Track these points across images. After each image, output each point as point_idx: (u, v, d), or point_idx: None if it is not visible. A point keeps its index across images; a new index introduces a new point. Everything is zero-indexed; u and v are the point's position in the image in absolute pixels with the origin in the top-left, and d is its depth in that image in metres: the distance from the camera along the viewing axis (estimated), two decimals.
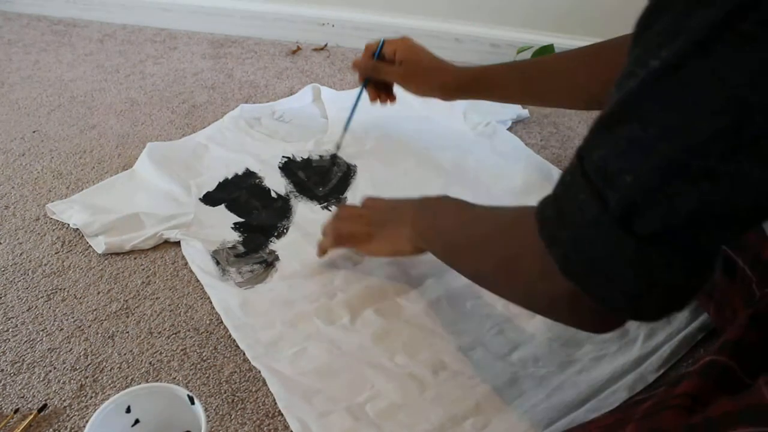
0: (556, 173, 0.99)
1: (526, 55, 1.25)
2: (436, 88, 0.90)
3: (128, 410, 0.58)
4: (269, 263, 0.84)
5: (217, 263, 0.84)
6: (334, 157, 1.01)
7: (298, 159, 1.02)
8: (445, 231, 0.66)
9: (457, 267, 0.65)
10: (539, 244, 0.41)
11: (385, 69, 0.92)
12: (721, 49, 0.31)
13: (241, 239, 0.88)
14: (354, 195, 0.95)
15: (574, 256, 0.39)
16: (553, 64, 0.85)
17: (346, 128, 0.98)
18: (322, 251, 0.82)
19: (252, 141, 1.06)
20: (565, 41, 1.26)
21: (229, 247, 0.86)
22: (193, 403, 0.57)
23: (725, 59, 0.31)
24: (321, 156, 1.03)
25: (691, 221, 0.34)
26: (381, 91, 0.96)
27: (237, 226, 0.90)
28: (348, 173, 0.99)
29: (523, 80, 0.86)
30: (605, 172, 0.36)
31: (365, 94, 0.97)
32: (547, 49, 1.24)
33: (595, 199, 0.36)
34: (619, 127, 0.35)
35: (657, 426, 0.44)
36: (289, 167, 1.00)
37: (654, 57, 0.33)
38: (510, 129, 1.12)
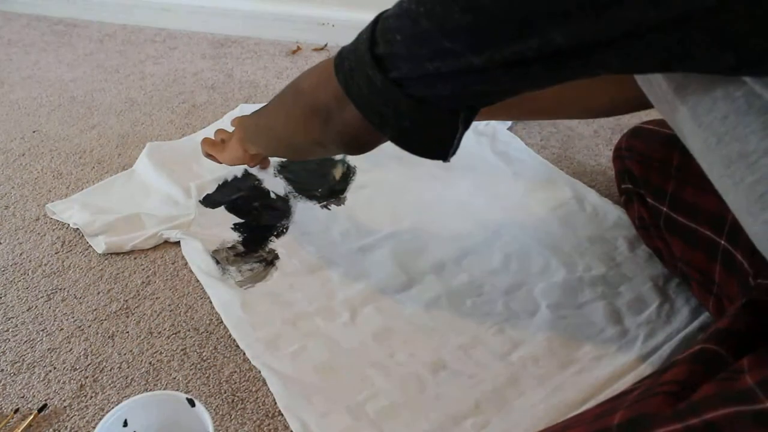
0: (556, 173, 0.99)
1: None
2: None
3: (125, 424, 0.57)
4: (269, 262, 0.84)
5: (217, 262, 0.84)
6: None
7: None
8: (262, 121, 0.75)
9: (275, 146, 0.76)
10: (333, 79, 0.52)
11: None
12: None
13: (240, 239, 0.88)
14: (353, 195, 0.95)
15: (348, 76, 0.51)
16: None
17: None
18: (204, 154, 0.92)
19: None
20: None
21: (228, 247, 0.86)
22: (193, 405, 0.57)
23: None
24: None
25: (430, 76, 0.44)
26: None
27: (237, 227, 0.90)
28: (347, 173, 0.99)
29: (527, 99, 0.86)
30: (387, 29, 0.46)
31: None
32: None
33: (368, 48, 0.47)
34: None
35: (644, 411, 0.45)
36: (287, 167, 1.00)
37: None
38: (510, 129, 1.12)
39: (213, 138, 0.92)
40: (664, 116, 0.49)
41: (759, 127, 0.39)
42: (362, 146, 0.59)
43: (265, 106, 0.75)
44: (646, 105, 0.71)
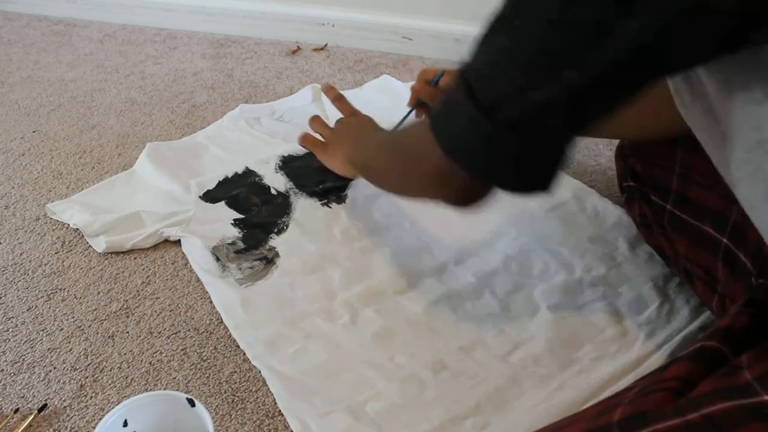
0: None
1: None
2: None
3: (125, 424, 0.57)
4: (269, 260, 0.84)
5: (217, 259, 0.84)
6: None
7: (299, 154, 1.02)
8: (373, 166, 0.75)
9: (377, 183, 0.76)
10: (429, 137, 0.50)
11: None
12: None
13: (240, 235, 0.88)
14: (354, 192, 0.95)
15: (448, 132, 0.48)
16: None
17: None
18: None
19: (252, 141, 1.06)
20: None
21: (228, 243, 0.86)
22: (193, 405, 0.57)
23: None
24: None
25: (539, 111, 0.41)
26: (427, 113, 0.96)
27: (237, 223, 0.90)
28: None
29: None
30: (480, 74, 0.44)
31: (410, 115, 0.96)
32: None
33: (468, 93, 0.44)
34: (492, 37, 0.43)
35: (645, 408, 0.45)
36: (288, 163, 1.00)
37: None
38: None
39: (312, 132, 0.95)
40: (681, 110, 0.48)
41: None
42: (475, 200, 0.56)
43: (375, 149, 0.74)
44: (665, 131, 0.72)
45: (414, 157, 0.57)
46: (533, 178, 0.48)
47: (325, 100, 1.16)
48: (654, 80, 0.39)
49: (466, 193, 0.55)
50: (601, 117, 0.42)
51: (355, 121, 0.91)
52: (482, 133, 0.44)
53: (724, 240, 0.65)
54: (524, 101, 0.41)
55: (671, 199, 0.73)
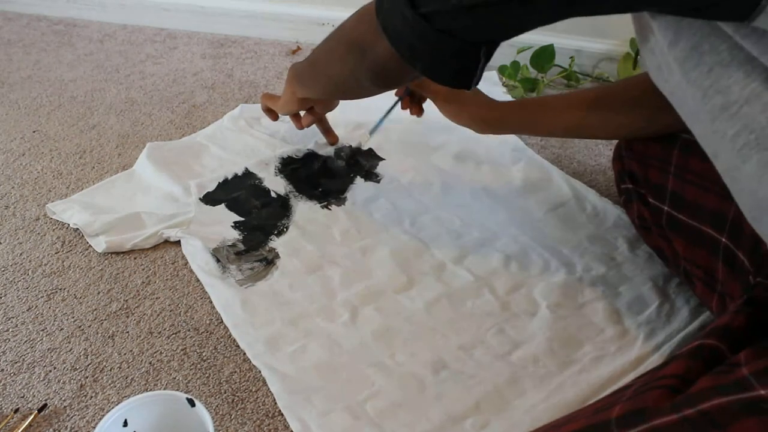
0: (556, 173, 0.99)
1: (526, 55, 1.25)
2: (475, 121, 0.88)
3: (125, 424, 0.57)
4: (269, 261, 0.84)
5: (218, 260, 0.84)
6: (353, 153, 1.03)
7: (298, 156, 1.02)
8: (309, 59, 0.82)
9: (317, 82, 0.82)
10: (373, 18, 0.57)
11: (431, 87, 0.91)
12: None
13: (241, 237, 0.88)
14: (353, 194, 0.95)
15: (391, 25, 0.55)
16: (588, 100, 0.84)
17: (372, 132, 0.98)
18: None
19: (252, 141, 1.06)
20: (565, 41, 1.26)
21: (229, 245, 0.86)
22: (193, 405, 0.57)
23: None
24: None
25: (455, 10, 0.48)
26: (414, 103, 0.96)
27: (237, 225, 0.90)
28: (349, 172, 0.99)
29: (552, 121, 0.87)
30: None
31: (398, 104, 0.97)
32: (546, 50, 1.24)
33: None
34: None
35: (643, 405, 0.46)
36: (287, 166, 1.00)
37: None
38: None
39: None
40: (663, 90, 0.50)
41: (740, 77, 0.41)
42: (391, 81, 0.68)
43: (315, 47, 0.80)
44: (657, 131, 0.74)
45: (357, 43, 0.64)
46: (462, 76, 0.56)
47: None
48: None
49: (391, 75, 0.64)
50: (519, 32, 0.50)
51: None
52: (418, 33, 0.52)
53: (723, 239, 0.65)
54: (451, 11, 0.49)
55: (668, 200, 0.73)
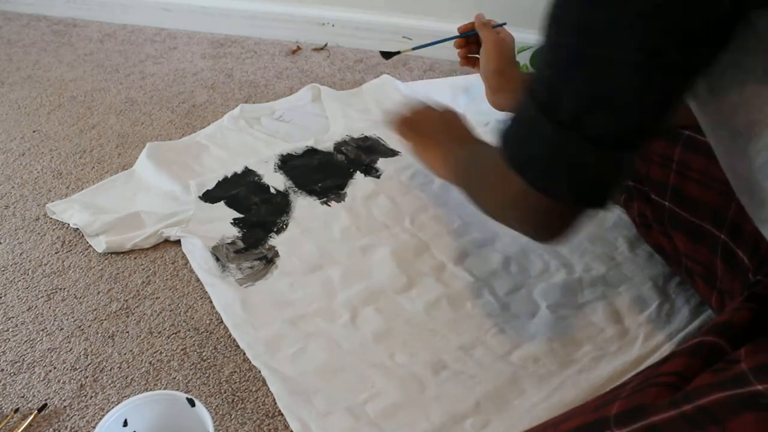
0: None
1: (526, 55, 1.25)
2: (510, 89, 0.88)
3: (125, 424, 0.57)
4: (269, 259, 0.84)
5: (217, 259, 0.84)
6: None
7: (298, 153, 1.02)
8: (460, 171, 0.73)
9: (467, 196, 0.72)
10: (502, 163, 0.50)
11: (492, 33, 0.91)
12: None
13: (240, 235, 0.88)
14: (353, 190, 0.95)
15: (516, 150, 0.49)
16: None
17: (416, 48, 0.96)
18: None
19: (252, 141, 1.06)
20: None
21: (228, 243, 0.86)
22: (193, 405, 0.57)
23: None
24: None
25: (592, 104, 0.43)
26: (469, 47, 0.95)
27: (236, 222, 0.90)
28: (349, 167, 0.99)
29: None
30: (541, 79, 0.46)
31: (451, 42, 0.95)
32: None
33: (534, 103, 0.46)
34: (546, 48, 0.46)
35: (642, 402, 0.46)
36: (287, 162, 1.00)
37: None
38: None
39: (410, 114, 0.90)
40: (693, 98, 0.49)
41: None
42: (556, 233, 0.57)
43: (463, 173, 0.71)
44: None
45: (494, 184, 0.56)
46: (599, 193, 0.49)
47: (325, 99, 1.16)
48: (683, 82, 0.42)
49: (545, 224, 0.55)
50: (655, 123, 0.44)
51: (439, 118, 0.87)
52: (543, 135, 0.45)
53: (722, 236, 0.65)
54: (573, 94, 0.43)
55: (669, 197, 0.73)
